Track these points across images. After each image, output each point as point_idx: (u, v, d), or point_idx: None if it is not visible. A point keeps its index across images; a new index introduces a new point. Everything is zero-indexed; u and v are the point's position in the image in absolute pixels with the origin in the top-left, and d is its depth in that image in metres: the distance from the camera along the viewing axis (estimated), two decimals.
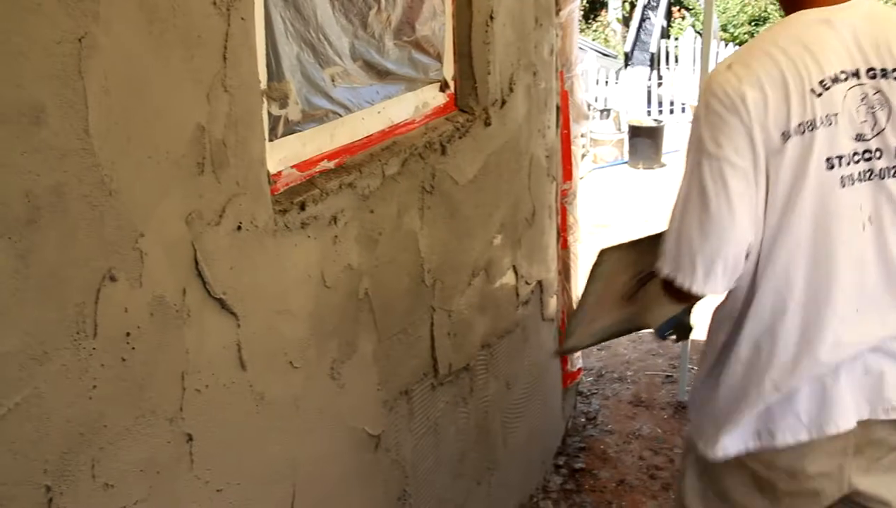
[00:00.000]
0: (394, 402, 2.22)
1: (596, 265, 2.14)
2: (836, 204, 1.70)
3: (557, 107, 3.39)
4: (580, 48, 4.25)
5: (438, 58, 2.49)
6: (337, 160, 2.00)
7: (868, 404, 1.81)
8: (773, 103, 1.66)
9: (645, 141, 9.95)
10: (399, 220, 2.17)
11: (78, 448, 1.25)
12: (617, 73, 13.57)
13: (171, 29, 1.36)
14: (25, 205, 1.12)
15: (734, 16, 18.16)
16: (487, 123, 2.64)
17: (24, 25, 1.10)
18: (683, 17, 18.72)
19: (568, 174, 3.59)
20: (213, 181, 1.48)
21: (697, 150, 1.72)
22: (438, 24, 2.46)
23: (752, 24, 18.12)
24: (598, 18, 19.30)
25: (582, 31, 17.78)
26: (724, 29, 17.51)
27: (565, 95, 3.50)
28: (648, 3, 17.47)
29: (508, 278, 2.92)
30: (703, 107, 1.72)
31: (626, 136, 10.28)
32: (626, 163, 10.11)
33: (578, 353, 3.94)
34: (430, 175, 2.31)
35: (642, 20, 17.04)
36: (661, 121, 10.47)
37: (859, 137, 1.70)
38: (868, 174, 1.71)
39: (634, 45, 16.19)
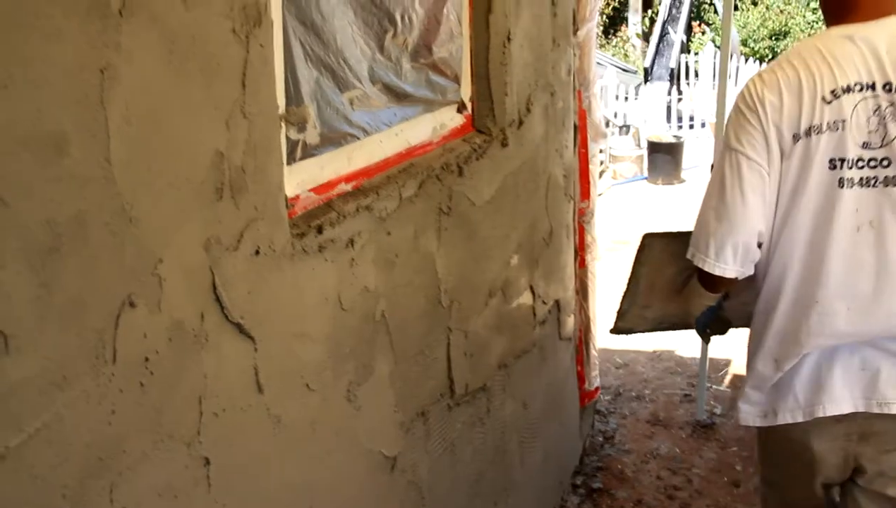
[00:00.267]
0: (410, 424, 2.22)
1: (641, 249, 2.42)
2: (834, 203, 1.88)
3: (575, 126, 3.41)
4: (599, 63, 4.27)
5: (456, 79, 2.51)
6: (354, 183, 2.02)
7: (863, 397, 2.00)
8: (787, 107, 1.87)
9: (664, 157, 9.94)
10: (416, 242, 2.18)
11: (97, 473, 1.26)
12: (636, 88, 13.55)
13: (191, 58, 1.38)
14: (47, 233, 1.14)
15: (755, 30, 18.11)
16: (505, 144, 2.65)
17: (47, 54, 1.12)
18: (704, 32, 18.69)
19: (586, 193, 3.60)
20: (231, 206, 1.50)
21: (724, 145, 1.97)
22: (456, 45, 2.48)
23: (773, 38, 18.06)
24: (618, 34, 19.30)
25: (602, 46, 17.80)
26: (744, 44, 17.46)
27: (583, 114, 3.51)
28: (668, 18, 17.45)
29: (525, 298, 2.92)
30: (734, 108, 1.96)
31: (645, 152, 10.26)
32: (645, 179, 10.10)
33: (596, 372, 3.93)
34: (448, 196, 2.32)
35: (662, 35, 17.02)
36: (680, 137, 10.46)
37: (866, 145, 1.86)
38: (873, 181, 1.87)
39: (654, 60, 16.18)
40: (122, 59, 1.23)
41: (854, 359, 1.99)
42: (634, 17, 19.20)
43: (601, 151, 4.18)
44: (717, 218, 1.96)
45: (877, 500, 2.09)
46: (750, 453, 3.80)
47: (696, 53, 15.69)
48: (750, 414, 2.13)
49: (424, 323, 2.26)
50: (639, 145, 10.53)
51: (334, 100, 1.93)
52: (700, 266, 2.01)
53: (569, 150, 3.29)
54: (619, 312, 2.62)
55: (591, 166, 3.62)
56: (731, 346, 4.86)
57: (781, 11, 18.57)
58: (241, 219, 1.53)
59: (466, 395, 2.54)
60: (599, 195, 4.05)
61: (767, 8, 18.76)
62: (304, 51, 1.81)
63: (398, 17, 2.13)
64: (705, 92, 13.30)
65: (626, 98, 12.69)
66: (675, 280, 2.38)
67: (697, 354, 4.27)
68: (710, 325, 2.43)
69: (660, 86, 13.72)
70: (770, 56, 17.24)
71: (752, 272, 2.01)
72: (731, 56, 12.15)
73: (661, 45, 16.69)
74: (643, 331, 2.78)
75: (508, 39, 2.61)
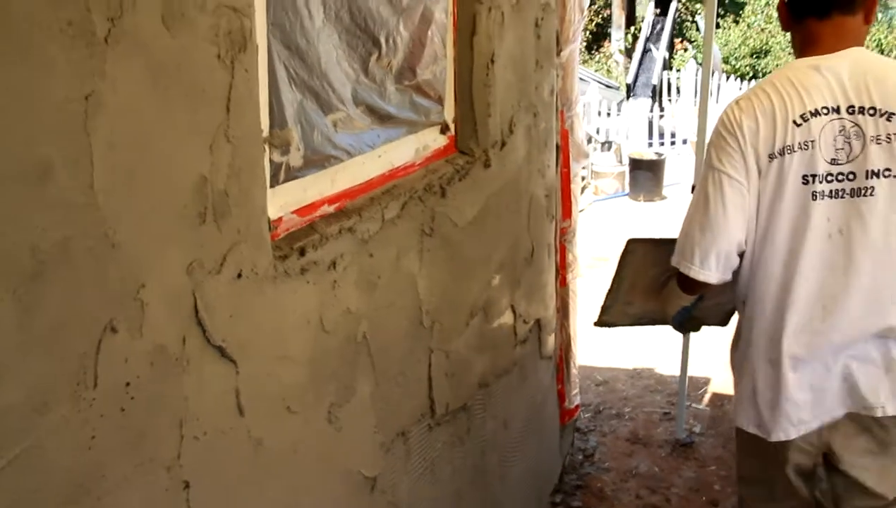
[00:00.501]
0: (391, 444, 2.23)
1: (625, 253, 2.71)
2: (808, 214, 2.12)
3: (557, 146, 3.43)
4: (582, 79, 4.31)
5: (439, 101, 2.52)
6: (337, 204, 2.03)
7: (846, 406, 2.23)
8: (763, 131, 2.12)
9: (646, 173, 10.00)
10: (398, 263, 2.19)
11: (77, 499, 1.26)
12: (619, 104, 13.63)
13: (175, 83, 1.39)
14: (31, 260, 1.14)
15: (736, 48, 18.28)
16: (487, 165, 2.67)
17: (35, 84, 1.13)
18: (686, 49, 18.85)
19: (567, 212, 3.62)
20: (214, 230, 1.50)
21: (707, 165, 2.20)
22: (440, 67, 2.49)
23: (754, 56, 18.24)
24: (601, 49, 19.42)
25: (584, 61, 17.90)
26: (725, 61, 17.63)
27: (565, 134, 3.54)
28: (651, 34, 17.58)
29: (507, 318, 2.94)
30: (715, 132, 2.20)
31: (627, 169, 10.33)
32: (626, 195, 10.16)
33: (576, 390, 3.95)
34: (430, 218, 2.33)
35: (644, 52, 17.14)
36: (662, 155, 10.53)
37: (833, 161, 2.10)
38: (841, 193, 2.11)
39: (636, 76, 16.28)
40: (106, 86, 1.24)
41: (836, 373, 2.20)
42: (617, 34, 19.33)
43: (583, 167, 4.21)
44: (701, 230, 2.18)
45: (856, 486, 2.32)
46: (729, 472, 3.82)
47: (678, 70, 15.82)
48: (746, 419, 2.32)
49: (406, 344, 2.27)
50: (620, 161, 10.60)
51: (318, 123, 1.94)
52: (686, 273, 2.23)
53: (551, 170, 3.31)
54: (602, 307, 2.89)
55: (572, 186, 3.65)
56: (711, 365, 4.90)
57: (762, 30, 18.76)
58: (223, 243, 1.53)
59: (447, 415, 2.54)
60: (581, 211, 4.08)
61: (749, 26, 18.96)
62: (289, 74, 1.82)
63: (383, 40, 2.15)
64: (687, 109, 13.40)
65: (609, 114, 12.77)
66: (655, 281, 2.60)
67: (677, 372, 4.29)
68: (685, 323, 2.72)
69: (642, 103, 13.82)
70: (751, 74, 17.41)
71: (730, 278, 2.24)
72: (713, 73, 12.28)
73: (643, 62, 16.81)
74: (624, 325, 3.05)
75: (492, 61, 2.63)
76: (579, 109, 3.69)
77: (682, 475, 3.89)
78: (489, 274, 2.77)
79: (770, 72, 17.07)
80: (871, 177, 2.09)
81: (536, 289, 3.23)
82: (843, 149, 2.10)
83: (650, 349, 5.32)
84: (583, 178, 9.35)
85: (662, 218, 8.80)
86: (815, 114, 2.10)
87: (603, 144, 10.98)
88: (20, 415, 1.16)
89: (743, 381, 2.33)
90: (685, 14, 21.04)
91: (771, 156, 2.11)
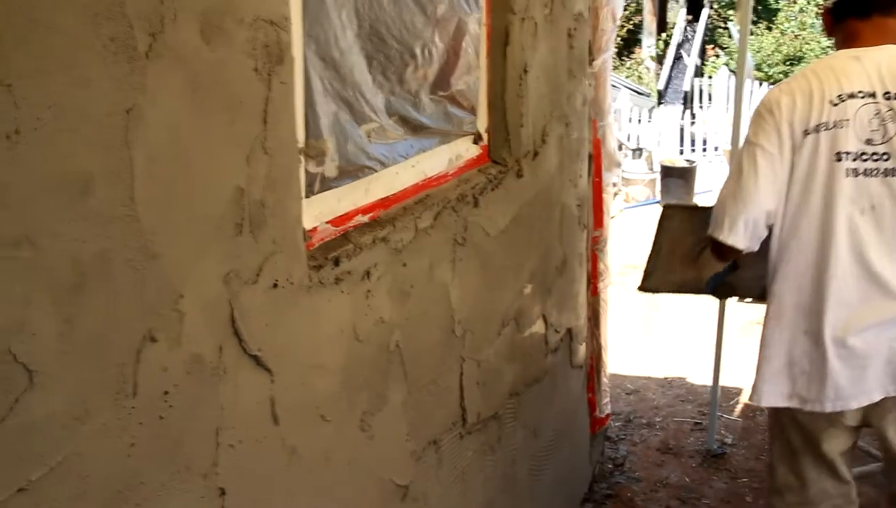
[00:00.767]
0: (422, 452, 2.24)
1: (661, 218, 3.00)
2: (840, 188, 2.26)
3: (590, 156, 3.42)
4: (613, 85, 4.31)
5: (472, 111, 2.53)
6: (371, 214, 2.04)
7: (892, 384, 2.31)
8: (800, 108, 2.28)
9: (677, 181, 9.95)
10: (431, 273, 2.20)
11: (115, 505, 1.28)
12: (650, 111, 13.57)
13: (213, 96, 1.41)
14: (72, 272, 1.17)
15: (769, 55, 18.14)
16: (520, 175, 2.68)
17: (75, 98, 1.15)
18: (717, 56, 18.73)
19: (599, 221, 3.61)
20: (251, 241, 1.52)
21: (745, 140, 2.38)
22: (473, 78, 2.50)
23: (787, 63, 18.08)
24: (632, 56, 19.35)
25: (615, 68, 17.83)
26: (758, 68, 17.49)
27: (597, 144, 3.54)
28: (682, 41, 17.51)
29: (538, 327, 2.94)
30: (755, 111, 2.37)
31: (658, 176, 10.27)
32: (657, 202, 10.10)
33: (607, 399, 3.94)
34: (463, 227, 2.34)
35: (676, 58, 17.08)
36: (693, 162, 10.47)
37: (868, 142, 2.25)
38: (874, 172, 2.25)
39: (668, 83, 16.22)
40: (147, 100, 1.26)
41: (881, 353, 2.30)
42: (648, 40, 19.26)
43: (615, 176, 4.22)
44: (733, 198, 2.35)
45: None
46: (761, 484, 3.79)
47: (710, 77, 15.73)
48: (772, 395, 2.43)
49: (438, 353, 2.28)
50: (651, 169, 10.54)
51: (352, 134, 1.96)
52: (716, 237, 2.40)
53: (583, 180, 3.31)
54: (644, 272, 3.03)
55: (604, 195, 3.64)
56: (743, 375, 4.86)
57: (796, 36, 18.60)
58: (259, 253, 1.55)
59: (478, 424, 2.55)
60: (612, 218, 4.07)
61: (782, 33, 18.80)
62: (324, 85, 1.84)
63: (418, 51, 2.16)
64: (718, 115, 13.32)
65: (640, 121, 12.72)
66: (692, 250, 2.75)
67: (709, 382, 4.27)
68: (717, 288, 2.84)
69: (673, 110, 13.75)
70: None
71: (756, 248, 2.39)
72: (745, 80, 12.20)
73: (674, 68, 16.74)
74: (667, 292, 3.25)
75: (525, 71, 2.64)
76: (610, 118, 3.69)
77: (714, 486, 3.87)
78: (521, 284, 2.77)
79: None
80: None
81: (568, 299, 3.23)
82: (878, 130, 2.24)
83: (681, 358, 5.30)
84: (614, 185, 9.34)
85: None
86: (852, 96, 2.25)
87: (634, 151, 10.93)
88: (61, 424, 1.18)
89: (773, 355, 2.42)
90: (717, 20, 20.93)
91: (806, 132, 2.27)
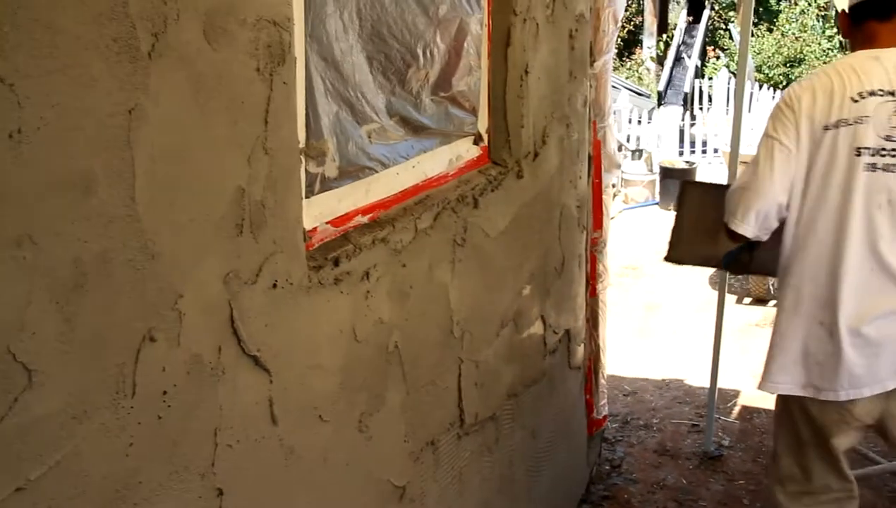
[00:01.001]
0: (420, 453, 2.24)
1: (681, 194, 3.14)
2: (860, 184, 2.32)
3: (589, 157, 3.42)
4: (613, 86, 4.30)
5: (473, 112, 2.53)
6: (371, 215, 2.04)
7: None
8: (819, 104, 2.34)
9: (676, 182, 9.91)
10: (430, 274, 2.20)
11: (113, 505, 1.28)
12: (650, 112, 13.57)
13: (215, 96, 1.41)
14: (73, 271, 1.17)
15: (770, 57, 18.13)
16: (520, 176, 2.68)
17: (81, 100, 1.15)
18: (718, 58, 18.74)
19: (598, 223, 3.62)
20: (251, 241, 1.52)
21: (764, 133, 2.45)
22: (474, 79, 2.50)
23: (788, 65, 18.08)
24: (632, 57, 19.34)
25: (616, 69, 17.81)
26: (758, 70, 17.49)
27: (597, 145, 3.54)
28: (683, 42, 17.50)
29: (536, 328, 2.94)
30: (775, 106, 2.45)
31: (657, 177, 10.26)
32: (656, 204, 10.10)
33: (604, 400, 3.94)
34: (462, 228, 2.34)
35: (676, 60, 17.07)
36: (692, 163, 10.46)
37: (888, 138, 2.31)
38: (892, 167, 2.31)
39: (668, 84, 16.21)
40: (149, 100, 1.26)
41: (894, 341, 2.35)
42: (649, 41, 19.25)
43: (614, 177, 4.22)
44: (748, 189, 2.44)
45: None
46: (758, 486, 3.80)
47: (711, 78, 15.72)
48: (787, 384, 2.47)
49: (436, 354, 2.28)
50: (651, 170, 10.53)
51: (353, 134, 1.96)
52: (728, 224, 2.51)
53: (582, 181, 3.31)
54: (669, 243, 3.12)
55: (604, 196, 3.64)
56: (741, 377, 4.87)
57: (797, 38, 18.60)
58: (259, 254, 1.55)
59: (476, 425, 2.55)
60: (611, 219, 4.09)
61: (783, 35, 18.80)
62: (325, 86, 1.84)
63: (420, 52, 2.16)
64: (718, 117, 13.31)
65: (640, 122, 12.71)
66: (715, 225, 2.77)
67: (706, 384, 4.27)
68: (730, 264, 2.93)
69: (673, 111, 13.73)
70: (784, 83, 17.26)
71: (765, 238, 2.50)
72: (745, 82, 12.21)
73: (675, 70, 16.74)
74: (692, 264, 3.41)
75: (526, 72, 2.64)
76: (610, 119, 3.69)
77: (711, 488, 3.87)
78: (520, 285, 2.77)
79: None
80: None
81: (566, 300, 3.23)
82: None
83: (679, 360, 5.30)
84: (613, 186, 9.34)
85: None
86: (872, 93, 2.32)
87: (634, 152, 10.92)
88: (60, 423, 1.18)
89: (788, 345, 2.45)
90: (718, 22, 20.93)
91: (826, 127, 2.33)
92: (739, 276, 6.52)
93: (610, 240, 3.87)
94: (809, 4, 19.46)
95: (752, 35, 18.45)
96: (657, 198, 10.17)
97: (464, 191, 2.38)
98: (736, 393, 4.80)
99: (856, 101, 2.32)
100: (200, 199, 1.40)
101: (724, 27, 20.37)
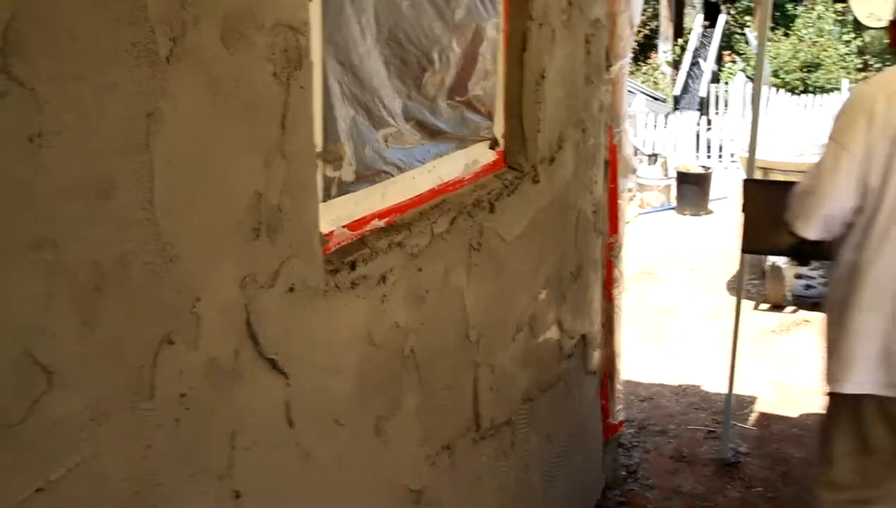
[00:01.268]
0: (436, 457, 2.24)
1: (745, 190, 3.36)
2: None
3: (605, 162, 3.42)
4: (629, 91, 4.30)
5: (489, 116, 2.54)
6: (387, 219, 2.05)
7: None
8: (893, 110, 2.30)
9: (692, 187, 9.91)
10: (446, 278, 2.20)
11: (132, 506, 1.29)
12: (666, 116, 13.54)
13: (233, 100, 1.41)
14: (92, 275, 1.17)
15: (786, 61, 18.06)
16: (536, 180, 2.68)
17: (100, 104, 1.15)
18: (734, 62, 18.67)
19: (614, 228, 3.61)
20: (267, 245, 1.53)
21: (831, 135, 2.43)
22: (490, 83, 2.51)
23: (804, 69, 18.01)
24: (648, 61, 19.31)
25: (631, 73, 17.76)
26: (775, 75, 17.42)
27: (613, 150, 3.53)
28: (699, 46, 17.46)
29: (552, 333, 2.94)
30: (844, 108, 2.43)
31: (673, 182, 10.23)
32: (672, 208, 10.07)
33: (620, 406, 3.93)
34: (478, 232, 2.34)
35: (692, 64, 17.02)
36: (709, 168, 10.43)
37: None
38: None
39: (684, 89, 16.17)
40: (167, 103, 1.26)
41: None
42: (665, 45, 19.22)
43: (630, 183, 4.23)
44: (811, 193, 2.46)
45: None
46: (775, 494, 3.78)
47: (727, 83, 15.67)
48: (865, 384, 2.43)
49: (452, 358, 2.28)
50: (667, 174, 10.51)
51: (369, 138, 1.96)
52: (790, 225, 2.55)
53: (598, 186, 3.31)
54: (743, 234, 3.30)
55: (619, 201, 3.64)
56: (758, 384, 4.85)
57: (814, 43, 18.52)
58: (276, 257, 1.56)
59: (492, 429, 2.55)
60: (627, 223, 4.08)
61: (800, 39, 18.72)
62: (342, 90, 1.84)
63: (436, 57, 2.17)
64: (735, 122, 13.27)
65: (655, 126, 12.69)
66: (776, 219, 2.81)
67: (723, 390, 4.25)
68: (796, 253, 3.06)
69: (689, 115, 13.70)
70: (801, 88, 17.20)
71: (828, 238, 2.52)
72: (762, 87, 12.20)
73: (691, 74, 16.69)
74: (766, 253, 3.95)
75: (542, 77, 2.64)
76: (626, 124, 3.69)
77: (727, 495, 3.85)
78: (536, 289, 2.77)
79: (821, 86, 16.91)
80: None
81: (582, 305, 3.23)
82: None
83: (696, 365, 5.28)
84: (629, 190, 9.32)
85: (708, 232, 8.72)
86: None
87: (649, 157, 10.90)
88: (79, 425, 1.19)
89: (866, 344, 2.42)
90: (734, 26, 20.86)
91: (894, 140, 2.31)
92: (756, 282, 6.49)
93: (625, 245, 3.87)
94: (826, 9, 19.38)
95: (769, 39, 18.39)
96: (673, 203, 10.15)
97: (480, 195, 2.38)
98: (753, 400, 4.78)
99: None
100: (218, 203, 1.41)
101: (740, 31, 20.30)
